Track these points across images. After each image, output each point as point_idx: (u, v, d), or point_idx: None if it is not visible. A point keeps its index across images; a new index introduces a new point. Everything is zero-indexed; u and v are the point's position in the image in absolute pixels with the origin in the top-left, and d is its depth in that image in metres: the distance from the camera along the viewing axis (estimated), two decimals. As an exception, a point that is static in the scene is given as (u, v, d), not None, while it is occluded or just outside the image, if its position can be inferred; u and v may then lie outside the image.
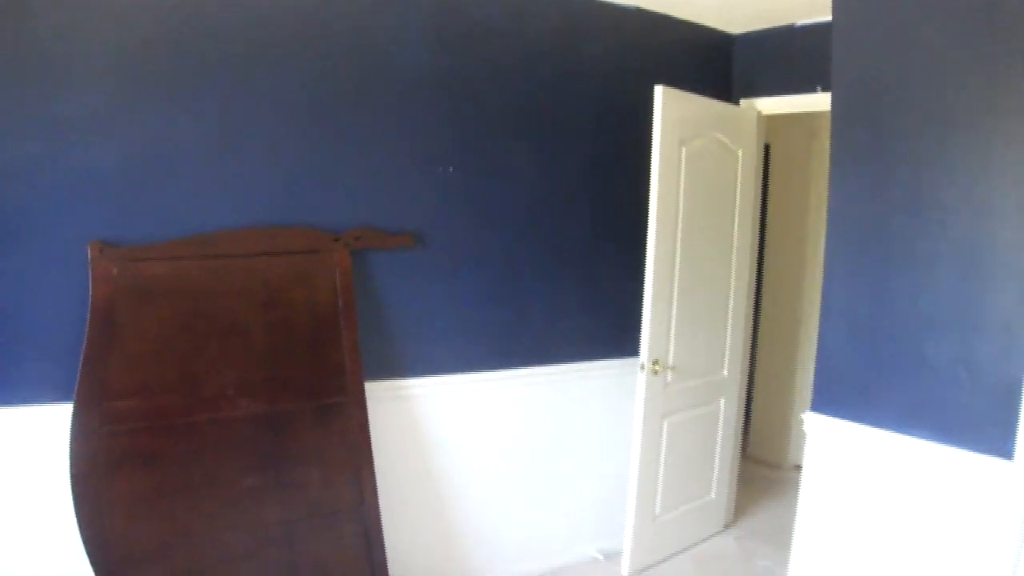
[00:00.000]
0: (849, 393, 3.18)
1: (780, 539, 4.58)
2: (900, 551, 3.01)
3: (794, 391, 5.96)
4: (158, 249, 2.79)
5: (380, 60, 3.25)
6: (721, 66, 4.46)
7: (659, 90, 3.76)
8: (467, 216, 3.57)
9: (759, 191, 4.61)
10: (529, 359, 3.83)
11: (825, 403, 3.26)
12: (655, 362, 3.95)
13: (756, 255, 4.72)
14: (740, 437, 4.84)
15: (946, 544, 2.88)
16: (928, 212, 2.91)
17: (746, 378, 4.75)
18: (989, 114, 2.73)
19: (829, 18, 3.85)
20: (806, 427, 3.31)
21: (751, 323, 4.78)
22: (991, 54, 2.71)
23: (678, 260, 4.00)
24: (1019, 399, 2.67)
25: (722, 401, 4.56)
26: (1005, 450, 2.70)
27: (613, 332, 4.15)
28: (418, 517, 3.49)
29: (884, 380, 3.06)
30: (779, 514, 5.05)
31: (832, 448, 3.24)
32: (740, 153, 4.34)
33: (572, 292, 4.00)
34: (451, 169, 3.47)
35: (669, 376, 4.06)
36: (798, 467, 5.86)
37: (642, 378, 3.94)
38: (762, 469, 5.65)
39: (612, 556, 4.19)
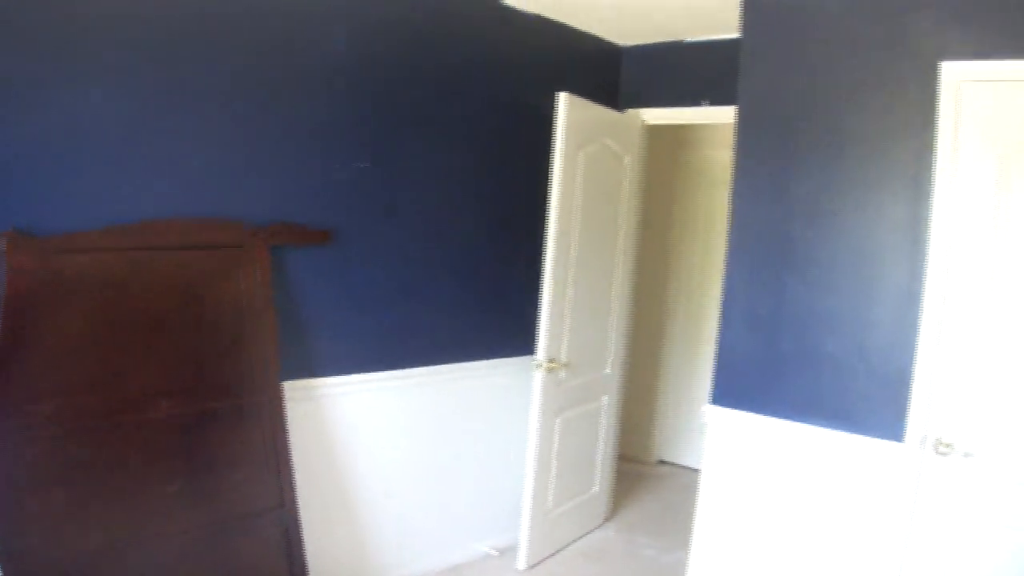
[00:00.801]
0: (748, 386, 3.44)
1: (658, 529, 4.88)
2: (800, 531, 3.30)
3: (657, 388, 6.30)
4: (78, 240, 2.62)
5: (301, 53, 3.20)
6: (610, 75, 4.67)
7: (562, 97, 3.91)
8: (379, 214, 3.57)
9: (641, 197, 4.85)
10: (434, 357, 3.88)
11: (725, 396, 3.51)
12: (551, 360, 4.09)
13: (636, 258, 4.96)
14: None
15: (844, 522, 3.19)
16: (825, 219, 3.22)
17: (623, 375, 4.97)
18: (881, 133, 3.08)
19: (718, 36, 4.22)
20: (706, 419, 3.55)
21: (631, 321, 5.01)
22: (888, 77, 3.03)
23: (573, 261, 4.15)
24: (908, 388, 3.01)
25: (605, 398, 4.77)
26: (896, 433, 3.04)
27: (512, 330, 4.26)
28: (329, 516, 3.45)
29: (783, 373, 3.34)
30: (652, 506, 5.35)
31: (731, 438, 3.49)
32: (627, 160, 4.58)
33: (476, 291, 4.10)
34: (363, 165, 3.45)
35: (562, 374, 4.21)
36: (662, 462, 6.26)
37: (538, 377, 4.07)
38: (629, 464, 5.91)
39: (506, 551, 4.29)
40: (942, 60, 2.88)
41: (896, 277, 3.06)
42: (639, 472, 5.98)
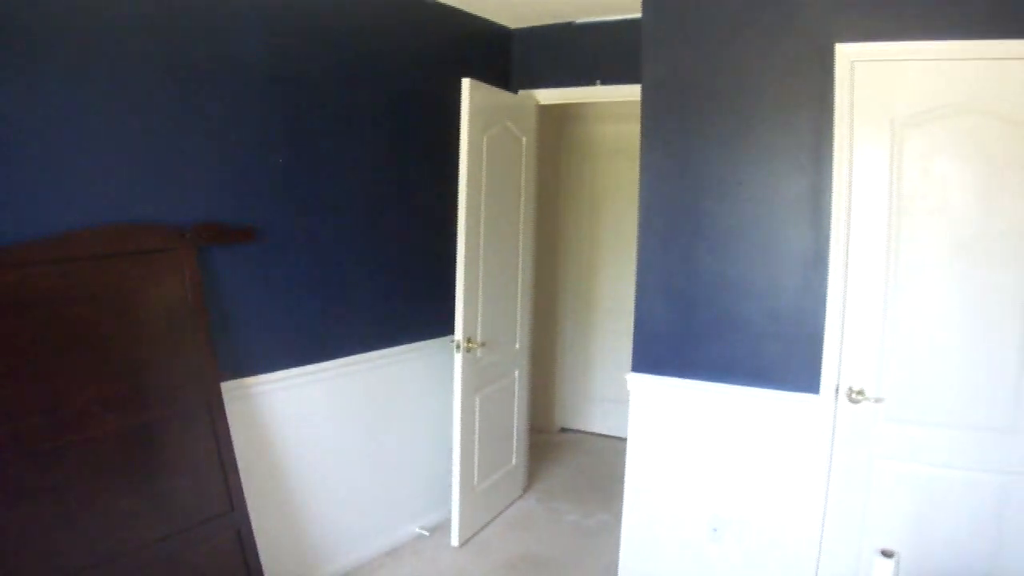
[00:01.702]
0: (668, 353, 3.66)
1: (575, 496, 5.10)
2: (728, 482, 3.57)
3: (555, 359, 6.51)
4: (1, 257, 2.51)
5: (214, 52, 3.14)
6: (502, 58, 4.79)
7: (466, 83, 4.00)
8: (299, 208, 3.57)
9: (538, 175, 4.99)
10: (360, 346, 3.92)
11: (645, 363, 3.71)
12: (468, 340, 4.19)
13: (536, 236, 5.11)
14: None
15: (769, 469, 3.49)
16: (731, 191, 3.46)
17: (530, 349, 5.13)
18: (782, 110, 3.34)
19: (608, 17, 4.38)
20: (629, 386, 3.75)
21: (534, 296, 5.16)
22: (788, 58, 3.29)
23: (482, 242, 4.27)
24: (820, 345, 3.30)
25: (516, 373, 4.93)
26: (813, 386, 3.34)
27: (431, 313, 4.35)
28: (271, 513, 3.44)
29: (700, 338, 3.58)
30: (564, 473, 5.56)
31: (655, 403, 3.71)
32: (524, 140, 4.71)
33: (395, 278, 4.16)
34: (280, 160, 3.43)
35: (479, 352, 4.32)
36: (564, 430, 6.48)
37: (458, 356, 4.18)
38: (535, 435, 6.08)
39: (436, 530, 4.41)
40: (837, 42, 3.16)
41: (802, 243, 3.33)
42: (545, 441, 6.19)
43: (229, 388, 3.22)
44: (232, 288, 3.28)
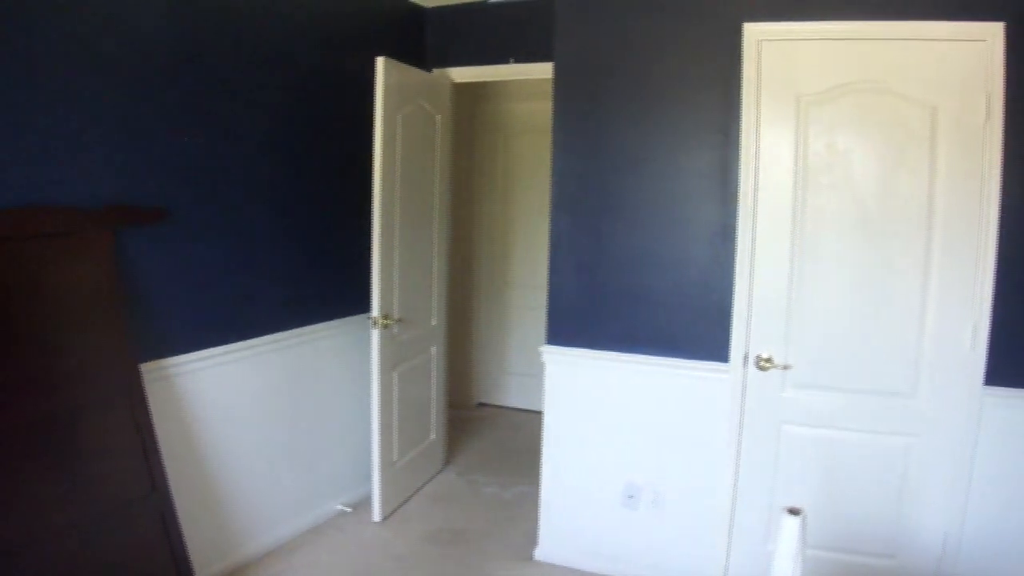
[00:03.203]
0: (581, 325, 3.82)
1: (494, 468, 5.26)
2: (643, 447, 3.76)
3: (471, 335, 6.64)
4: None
5: (121, 26, 3.11)
6: (416, 36, 4.86)
7: (380, 61, 4.07)
8: (213, 187, 3.58)
9: (452, 153, 5.08)
10: (279, 324, 3.97)
11: (559, 336, 3.87)
12: (385, 316, 4.28)
13: (452, 213, 5.21)
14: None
15: (682, 436, 3.68)
16: (641, 167, 3.63)
17: (446, 325, 5.24)
18: (692, 87, 3.51)
19: (523, -5, 4.47)
20: (543, 359, 3.91)
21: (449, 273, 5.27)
22: (697, 36, 3.47)
23: (398, 220, 4.35)
24: (729, 317, 3.51)
25: (433, 349, 5.03)
26: (722, 355, 3.55)
27: (348, 290, 4.42)
28: (194, 494, 3.47)
29: (613, 311, 3.75)
30: (482, 447, 5.71)
31: (569, 374, 3.87)
32: (439, 119, 4.79)
33: (313, 255, 4.22)
34: (187, 139, 3.43)
35: (396, 328, 4.42)
36: (482, 404, 6.62)
37: (375, 333, 4.26)
38: (452, 410, 6.20)
39: (359, 506, 4.50)
40: (745, 21, 3.34)
41: (710, 217, 3.53)
42: (463, 416, 6.33)
43: (149, 370, 3.24)
44: (148, 269, 3.29)
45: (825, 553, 3.45)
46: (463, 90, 5.54)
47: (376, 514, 4.38)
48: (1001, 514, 3.30)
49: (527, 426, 5.91)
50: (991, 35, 3.09)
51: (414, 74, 4.47)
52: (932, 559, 3.39)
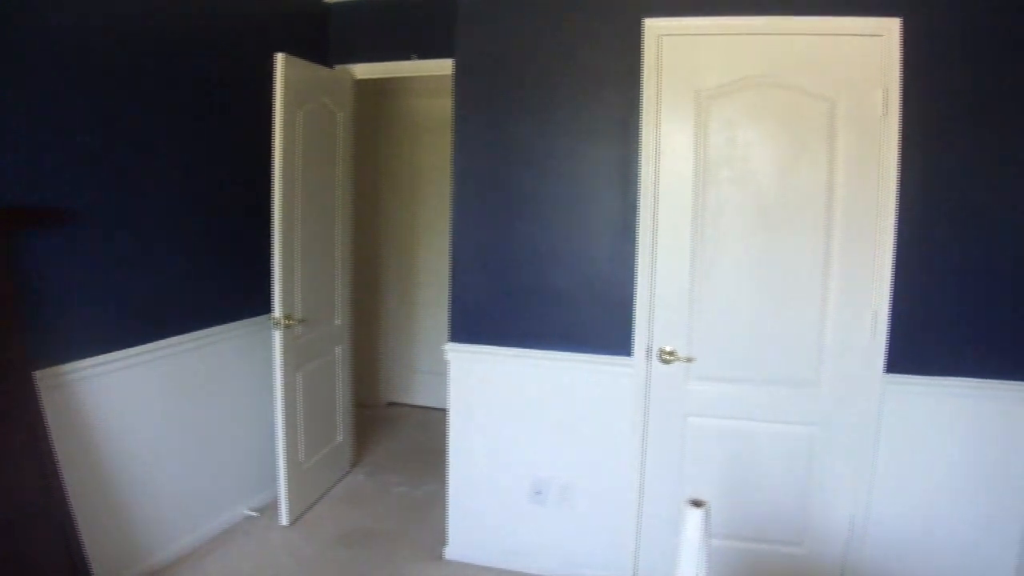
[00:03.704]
0: (485, 322, 3.85)
1: (403, 467, 5.28)
2: (551, 442, 3.82)
3: (378, 334, 6.63)
4: None
5: (24, 25, 3.03)
6: (319, 32, 4.84)
7: (280, 58, 4.04)
8: (111, 189, 3.48)
9: (354, 150, 5.07)
10: (182, 326, 3.90)
11: (464, 333, 3.90)
12: (287, 317, 4.25)
13: (356, 212, 5.20)
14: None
15: (588, 431, 3.76)
16: (543, 163, 3.66)
17: (351, 325, 5.22)
18: (592, 83, 3.56)
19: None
20: (448, 356, 3.93)
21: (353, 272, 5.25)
22: (598, 32, 3.52)
23: (299, 218, 4.33)
24: (632, 311, 3.59)
25: (338, 349, 5.02)
26: (626, 349, 3.64)
27: (252, 291, 4.37)
28: (97, 504, 3.40)
29: (517, 307, 3.78)
30: (392, 447, 5.72)
31: (474, 371, 3.90)
32: (340, 116, 4.78)
33: (216, 256, 4.16)
34: (84, 139, 3.35)
35: (299, 329, 4.39)
36: (391, 404, 6.63)
37: (277, 334, 4.23)
38: (361, 410, 6.22)
39: (266, 510, 4.47)
40: (645, 17, 3.42)
41: (613, 212, 3.60)
42: (372, 416, 6.32)
43: (45, 376, 3.15)
44: (44, 273, 3.19)
45: (734, 543, 3.58)
46: (367, 87, 5.54)
47: (284, 517, 4.35)
48: (905, 497, 3.46)
49: (437, 424, 5.91)
50: (888, 30, 3.22)
51: (315, 71, 4.45)
52: (839, 544, 3.53)
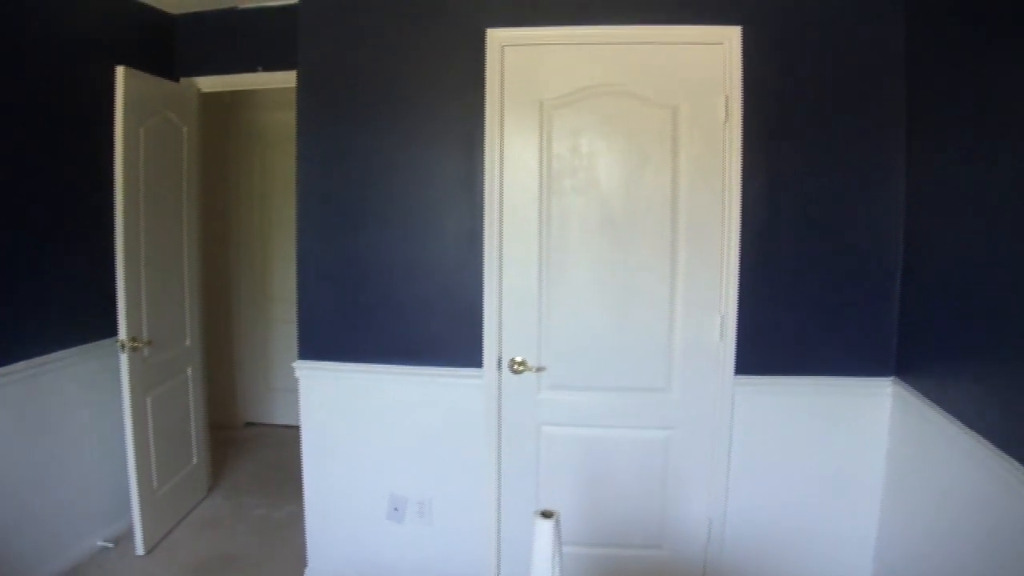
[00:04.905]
0: (334, 338, 3.81)
1: (262, 489, 5.24)
2: (405, 462, 3.81)
3: (233, 354, 6.52)
4: None
5: None
6: (164, 45, 4.75)
7: (120, 71, 3.96)
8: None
9: (200, 165, 4.99)
10: (15, 355, 3.72)
11: (313, 350, 3.85)
12: (133, 339, 4.15)
13: (205, 228, 5.11)
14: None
15: (443, 445, 3.77)
16: (390, 175, 3.67)
17: (203, 346, 5.12)
18: (436, 94, 3.58)
19: (271, 3, 4.51)
20: (297, 374, 3.87)
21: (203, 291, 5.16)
22: (441, 44, 3.57)
23: (143, 237, 4.25)
24: (480, 322, 3.65)
25: (189, 370, 4.92)
26: (476, 361, 3.69)
27: (93, 314, 4.24)
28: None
29: (366, 322, 3.77)
30: (250, 468, 5.66)
31: (325, 388, 3.86)
32: (186, 130, 4.71)
33: (49, 278, 3.97)
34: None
35: (147, 351, 4.30)
36: (249, 424, 6.54)
37: (123, 357, 4.12)
38: (218, 431, 6.08)
39: (121, 540, 4.34)
40: (488, 27, 3.49)
41: (459, 224, 3.63)
42: (229, 437, 6.22)
43: None
44: None
45: (593, 550, 3.67)
46: (215, 100, 5.46)
47: (139, 547, 4.23)
48: (759, 495, 3.60)
49: (296, 443, 5.73)
50: (728, 38, 3.35)
51: (158, 84, 4.37)
52: (699, 545, 3.67)
